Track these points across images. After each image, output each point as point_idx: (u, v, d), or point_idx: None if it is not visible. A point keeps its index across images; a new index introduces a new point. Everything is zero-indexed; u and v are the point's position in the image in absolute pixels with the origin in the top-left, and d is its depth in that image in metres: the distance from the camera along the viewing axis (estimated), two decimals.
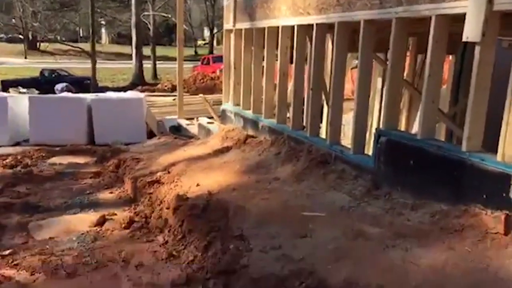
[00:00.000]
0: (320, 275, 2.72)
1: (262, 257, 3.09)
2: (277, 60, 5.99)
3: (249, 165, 5.21)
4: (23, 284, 3.26)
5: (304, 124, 5.50)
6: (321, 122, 5.93)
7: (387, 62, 4.18)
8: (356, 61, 4.89)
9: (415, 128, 4.63)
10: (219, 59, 24.45)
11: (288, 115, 5.96)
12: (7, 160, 7.15)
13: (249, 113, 6.56)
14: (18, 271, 3.47)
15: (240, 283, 2.92)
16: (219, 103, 9.87)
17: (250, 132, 6.40)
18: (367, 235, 3.15)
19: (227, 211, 3.95)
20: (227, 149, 6.12)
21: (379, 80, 6.81)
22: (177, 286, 3.20)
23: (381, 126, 4.25)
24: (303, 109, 5.61)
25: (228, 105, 7.53)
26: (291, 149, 5.16)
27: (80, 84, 19.02)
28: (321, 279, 2.68)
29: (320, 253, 3.01)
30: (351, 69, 10.80)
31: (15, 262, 3.60)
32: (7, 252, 3.81)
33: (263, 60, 6.30)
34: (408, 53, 5.58)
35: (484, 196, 2.96)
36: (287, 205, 3.94)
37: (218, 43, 48.99)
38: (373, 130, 5.21)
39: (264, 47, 6.16)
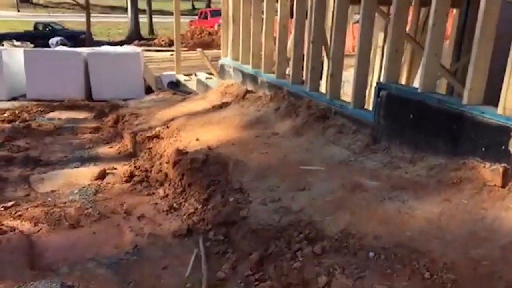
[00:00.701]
0: (318, 226, 2.79)
1: (261, 209, 3.15)
2: (277, 13, 5.82)
3: (248, 120, 5.20)
4: (27, 234, 3.33)
5: (304, 79, 5.43)
6: (321, 78, 5.85)
7: (390, 15, 4.07)
8: (357, 16, 4.76)
9: (416, 84, 4.59)
10: (217, 13, 23.81)
11: (287, 70, 5.88)
12: (5, 115, 7.12)
13: (248, 68, 6.46)
14: (21, 222, 3.54)
15: (240, 233, 2.99)
16: (217, 58, 9.69)
17: (249, 87, 6.33)
18: (365, 188, 3.19)
19: (227, 165, 3.98)
20: (226, 105, 6.09)
21: (381, 35, 6.67)
22: (179, 237, 3.28)
23: (382, 80, 4.21)
24: (303, 64, 5.52)
25: (226, 60, 7.40)
26: (290, 104, 5.13)
27: (75, 39, 18.60)
28: (319, 230, 2.75)
29: (318, 205, 3.07)
30: (353, 24, 10.57)
31: (18, 213, 3.66)
32: (9, 204, 3.87)
33: (263, 12, 6.12)
34: (411, 8, 5.42)
35: (483, 149, 2.98)
36: (286, 159, 3.97)
37: None
38: (374, 88, 5.16)
39: None
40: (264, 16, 6.02)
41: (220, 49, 8.05)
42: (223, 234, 3.13)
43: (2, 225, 3.39)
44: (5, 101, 8.46)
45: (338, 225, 2.76)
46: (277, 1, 5.74)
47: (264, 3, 5.94)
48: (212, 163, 4.05)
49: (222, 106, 6.07)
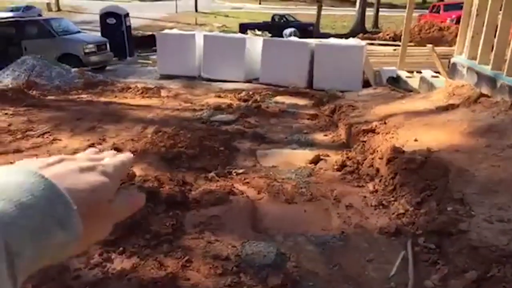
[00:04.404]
0: None
1: (485, 226, 2.82)
2: None
3: (478, 126, 4.67)
4: (251, 200, 3.83)
5: None
6: None
7: None
8: None
9: None
10: (451, 7, 21.80)
11: None
12: (242, 94, 8.24)
13: (486, 69, 5.76)
14: (248, 188, 4.09)
15: (455, 247, 2.76)
16: (447, 56, 8.95)
17: (484, 90, 5.65)
18: None
19: (447, 171, 3.69)
20: (452, 107, 5.60)
21: None
22: (385, 234, 3.24)
23: None
24: None
25: (460, 58, 6.77)
26: None
27: (304, 30, 19.93)
28: None
29: None
30: None
31: (246, 180, 4.24)
32: (240, 171, 4.51)
33: None
34: None
35: None
36: None
37: None
38: None
39: None
40: None
41: (450, 46, 7.42)
42: (435, 243, 2.94)
43: (234, 187, 3.99)
44: (242, 83, 9.79)
45: None
46: None
47: None
48: (431, 166, 3.82)
49: (448, 108, 5.60)
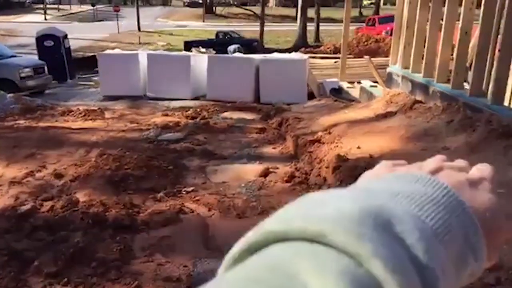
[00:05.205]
0: None
1: None
2: (458, 18, 5.39)
3: (415, 131, 4.94)
4: (202, 217, 3.79)
5: (485, 90, 4.90)
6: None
7: None
8: None
9: None
10: (385, 20, 23.10)
11: (466, 79, 5.38)
12: (189, 112, 8.18)
13: (418, 77, 6.13)
14: (198, 205, 4.04)
15: None
16: (383, 66, 9.42)
17: (419, 97, 6.00)
18: None
19: None
20: (391, 114, 5.88)
21: None
22: None
23: None
24: (484, 74, 4.98)
25: (395, 68, 7.15)
26: (466, 117, 4.69)
27: (248, 46, 20.23)
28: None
29: None
30: None
31: (196, 198, 4.20)
32: (190, 189, 4.45)
33: (442, 18, 5.73)
34: None
35: None
36: None
37: (385, 2, 46.15)
38: None
39: (444, 3, 5.58)
40: (443, 22, 5.63)
41: (386, 56, 7.83)
42: None
43: (184, 206, 3.93)
44: (189, 100, 9.74)
45: None
46: (460, 5, 5.31)
47: (445, 8, 5.56)
48: None
49: (387, 115, 5.89)
